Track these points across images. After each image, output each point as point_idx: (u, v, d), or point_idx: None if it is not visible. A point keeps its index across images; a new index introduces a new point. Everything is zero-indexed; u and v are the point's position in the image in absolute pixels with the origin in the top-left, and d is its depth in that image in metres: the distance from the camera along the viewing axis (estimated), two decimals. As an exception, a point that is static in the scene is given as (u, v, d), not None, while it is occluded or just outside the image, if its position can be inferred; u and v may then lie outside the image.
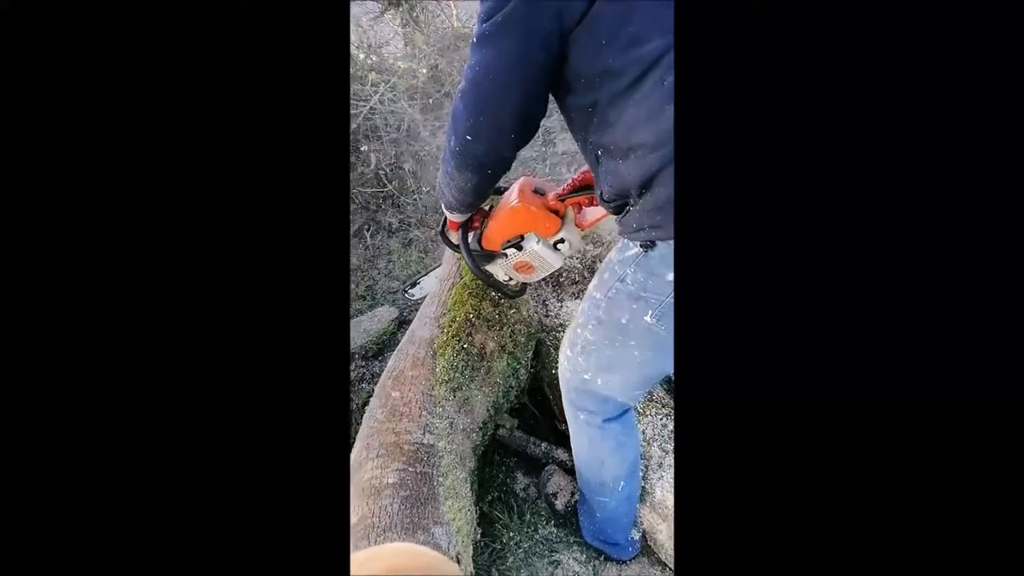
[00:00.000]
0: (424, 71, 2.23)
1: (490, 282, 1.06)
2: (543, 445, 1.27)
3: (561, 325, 1.33)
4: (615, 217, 0.82)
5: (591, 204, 0.96)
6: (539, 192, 0.96)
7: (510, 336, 1.23)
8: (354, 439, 1.07)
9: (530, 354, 1.29)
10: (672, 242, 0.71)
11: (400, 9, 2.59)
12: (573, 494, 1.18)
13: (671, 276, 0.73)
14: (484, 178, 0.81)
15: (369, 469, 0.95)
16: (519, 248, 0.97)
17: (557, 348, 1.33)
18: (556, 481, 1.21)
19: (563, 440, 1.30)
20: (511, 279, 1.08)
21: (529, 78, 0.68)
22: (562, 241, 0.97)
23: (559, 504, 1.18)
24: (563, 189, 0.95)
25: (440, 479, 0.96)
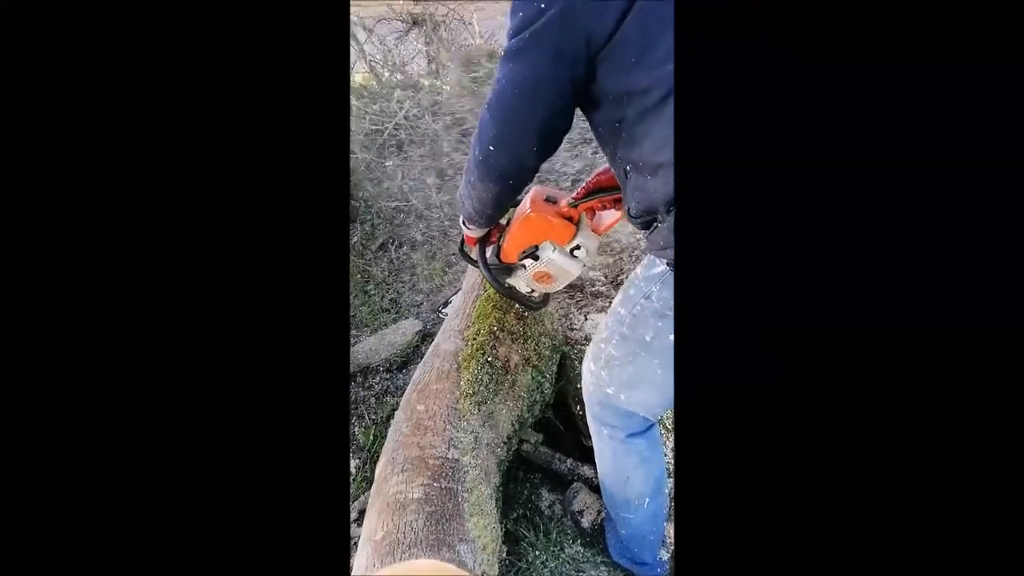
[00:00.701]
0: (447, 87, 2.27)
1: (512, 295, 1.06)
2: (568, 461, 1.25)
3: (586, 338, 1.31)
4: (643, 233, 0.80)
5: (604, 208, 0.96)
6: (551, 200, 0.95)
7: (534, 349, 1.22)
8: (379, 452, 1.07)
9: (555, 368, 1.28)
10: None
11: (424, 28, 2.65)
12: (600, 512, 1.16)
13: None
14: (505, 189, 0.81)
15: (394, 484, 0.95)
16: (536, 258, 0.97)
17: (582, 361, 1.32)
18: (582, 499, 1.19)
19: (589, 456, 1.28)
20: (532, 290, 1.08)
21: (554, 94, 0.68)
22: (579, 248, 0.96)
23: (585, 522, 1.16)
24: (576, 194, 0.94)
25: (465, 495, 0.95)
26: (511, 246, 0.99)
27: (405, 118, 2.00)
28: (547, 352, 1.24)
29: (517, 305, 1.21)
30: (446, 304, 1.64)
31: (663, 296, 0.77)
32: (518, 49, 0.67)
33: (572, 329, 1.33)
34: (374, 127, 2.00)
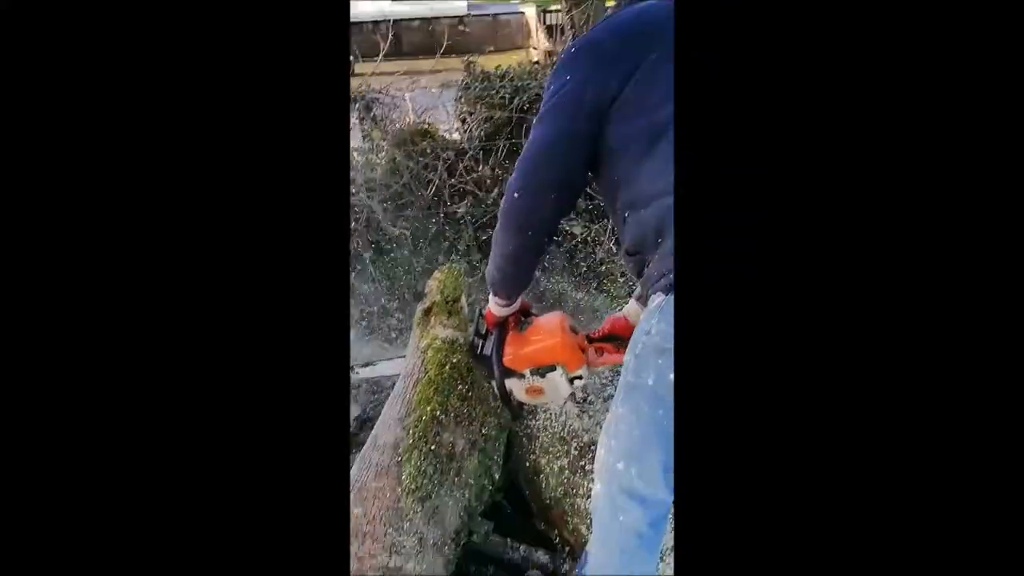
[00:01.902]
0: (382, 163, 2.30)
1: (506, 397, 1.09)
2: (521, 548, 1.18)
3: (531, 412, 1.29)
4: (638, 283, 0.87)
5: (611, 352, 1.08)
6: (574, 330, 1.07)
7: (480, 431, 1.17)
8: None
9: (502, 448, 1.23)
10: None
11: (356, 105, 2.71)
12: (558, 603, 1.09)
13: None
14: (524, 242, 0.89)
15: (329, 605, 0.85)
16: (542, 376, 1.04)
17: (530, 438, 1.29)
18: (538, 589, 1.12)
19: (543, 541, 1.22)
20: (512, 394, 1.10)
21: (571, 147, 0.83)
22: (580, 377, 1.06)
23: (544, 616, 1.09)
24: (595, 333, 1.09)
25: (410, 609, 0.86)
26: (525, 358, 1.04)
27: (339, 195, 2.00)
28: (493, 432, 1.20)
29: (460, 386, 1.18)
30: (364, 365, 1.58)
31: (661, 328, 0.76)
32: (545, 112, 0.83)
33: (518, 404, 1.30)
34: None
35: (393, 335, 1.94)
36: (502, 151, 2.21)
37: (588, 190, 1.95)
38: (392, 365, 1.43)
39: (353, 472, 1.08)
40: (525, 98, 2.26)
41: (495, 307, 1.04)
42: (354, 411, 1.61)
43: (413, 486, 1.02)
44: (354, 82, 2.72)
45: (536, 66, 2.59)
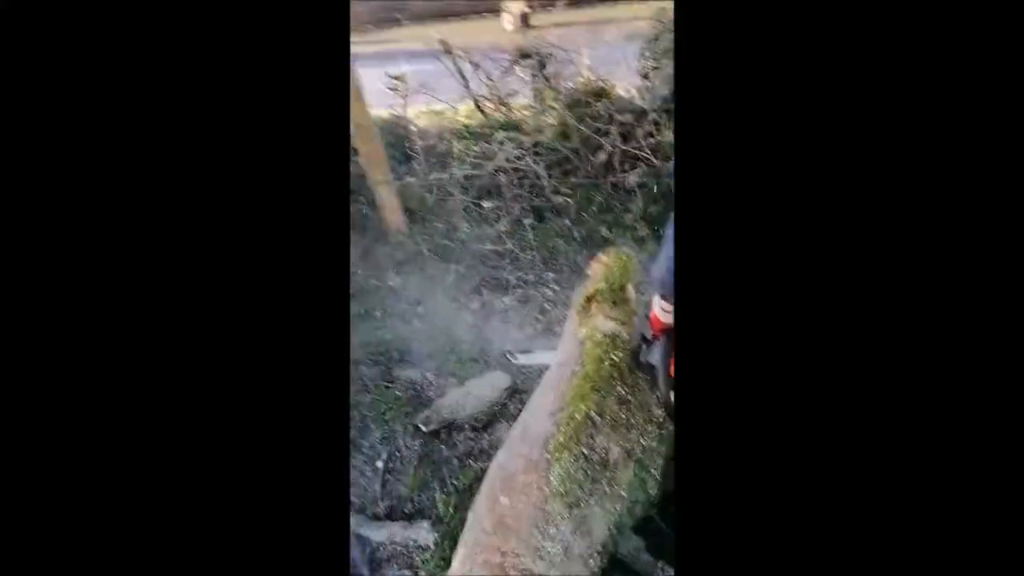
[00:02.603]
0: (552, 125, 2.19)
1: (672, 410, 0.99)
2: (674, 573, 1.06)
3: (699, 428, 1.12)
4: None
5: None
6: None
7: (639, 440, 1.05)
8: (457, 529, 0.97)
9: (661, 461, 1.10)
10: None
11: (532, 60, 2.60)
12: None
13: None
14: None
15: (471, 594, 0.84)
16: None
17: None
18: (688, 627, 0.99)
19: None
20: None
21: None
22: None
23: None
24: None
25: (551, 624, 0.81)
26: None
27: (506, 160, 1.95)
28: (653, 443, 1.07)
29: (619, 388, 1.07)
30: (523, 352, 1.55)
31: None
32: None
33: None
34: (475, 171, 1.97)
35: (547, 306, 1.88)
36: (687, 112, 1.93)
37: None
38: (549, 356, 1.37)
39: (501, 457, 1.05)
40: (723, 48, 1.92)
41: (662, 312, 0.89)
42: (505, 381, 1.61)
43: (562, 490, 0.95)
44: (529, 35, 2.61)
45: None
